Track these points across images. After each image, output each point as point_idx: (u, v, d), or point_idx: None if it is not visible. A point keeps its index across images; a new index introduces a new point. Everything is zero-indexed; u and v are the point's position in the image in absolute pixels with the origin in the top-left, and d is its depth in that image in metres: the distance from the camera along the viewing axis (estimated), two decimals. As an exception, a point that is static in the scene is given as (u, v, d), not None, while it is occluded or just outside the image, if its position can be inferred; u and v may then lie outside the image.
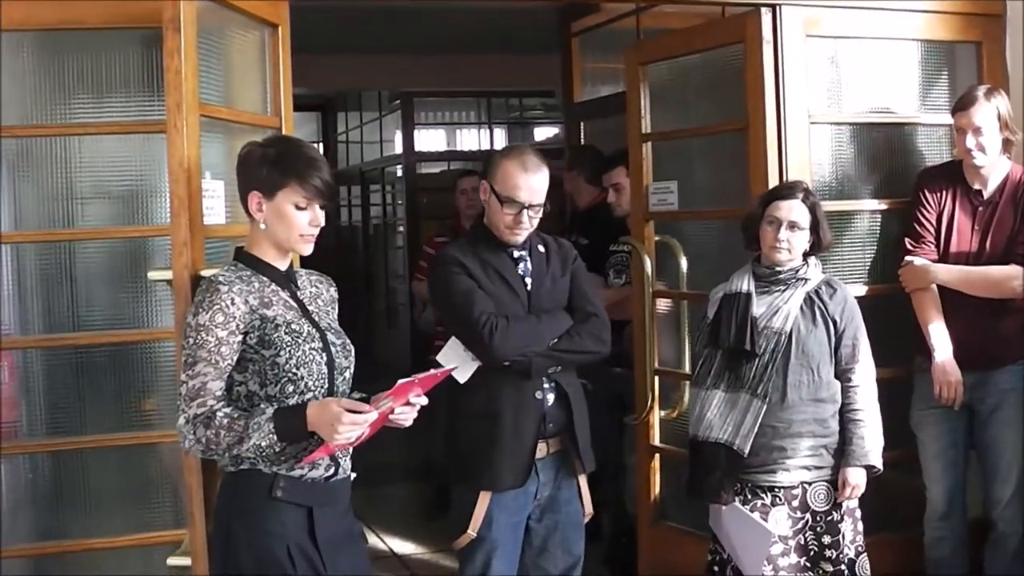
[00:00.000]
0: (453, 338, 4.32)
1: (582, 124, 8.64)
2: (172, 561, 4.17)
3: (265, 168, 3.51)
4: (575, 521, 4.55)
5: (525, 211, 4.30)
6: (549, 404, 4.40)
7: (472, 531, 4.33)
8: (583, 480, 4.55)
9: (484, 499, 4.32)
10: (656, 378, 5.85)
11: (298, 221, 3.50)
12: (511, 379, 4.31)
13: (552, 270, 4.48)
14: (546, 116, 14.32)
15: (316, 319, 3.60)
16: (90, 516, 4.61)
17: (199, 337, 3.38)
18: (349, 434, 3.30)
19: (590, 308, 4.49)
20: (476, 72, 11.86)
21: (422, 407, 3.55)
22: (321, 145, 15.38)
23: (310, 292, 3.71)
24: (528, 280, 4.42)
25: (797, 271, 4.57)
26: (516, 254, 4.43)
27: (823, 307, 4.55)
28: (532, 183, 4.30)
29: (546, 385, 4.40)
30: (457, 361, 4.24)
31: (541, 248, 4.49)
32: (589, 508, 4.59)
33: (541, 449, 4.37)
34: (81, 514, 4.61)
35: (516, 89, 13.19)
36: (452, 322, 4.40)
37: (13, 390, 4.60)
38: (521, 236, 4.37)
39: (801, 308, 4.54)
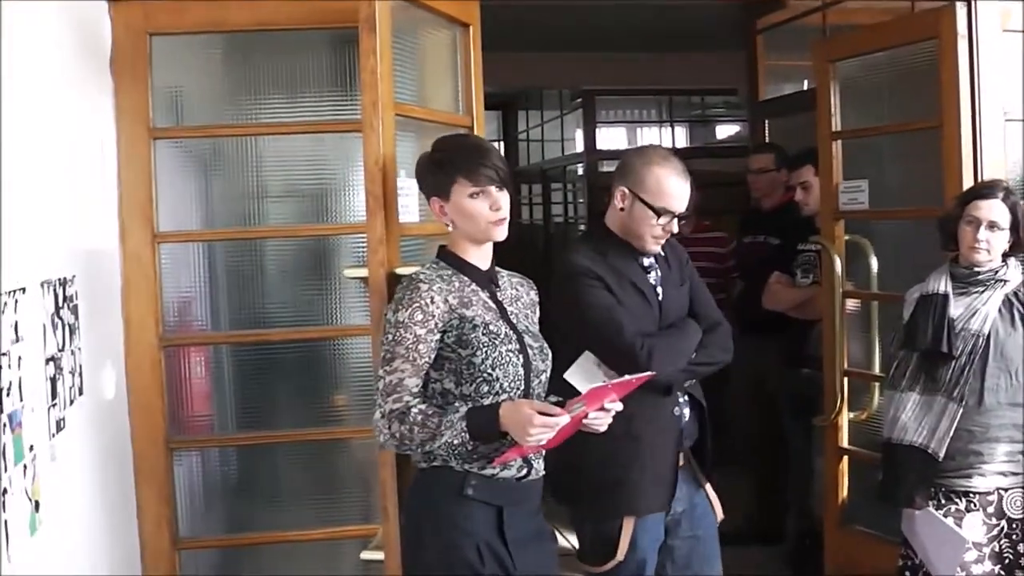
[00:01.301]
0: (586, 354, 4.03)
1: (767, 122, 8.55)
2: (366, 555, 4.22)
3: (432, 173, 3.56)
4: (712, 534, 4.40)
5: (675, 220, 4.13)
6: (686, 420, 4.27)
7: (620, 556, 4.17)
8: (710, 488, 4.41)
9: (629, 524, 4.17)
10: (845, 379, 5.78)
11: (479, 210, 3.50)
12: (649, 397, 4.01)
13: (674, 277, 4.31)
14: (728, 114, 14.20)
15: (514, 321, 3.60)
16: (280, 509, 4.72)
17: (398, 334, 3.41)
18: (540, 437, 3.29)
19: (716, 316, 4.34)
20: (658, 70, 11.82)
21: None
22: (502, 144, 15.49)
23: (510, 294, 3.71)
24: (659, 290, 4.24)
25: (996, 272, 4.45)
26: (646, 262, 4.25)
27: (1022, 309, 4.45)
28: (685, 191, 4.13)
29: (681, 400, 4.25)
30: (587, 378, 3.94)
31: (661, 253, 4.30)
32: (720, 512, 4.43)
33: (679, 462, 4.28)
34: (271, 507, 4.72)
35: (698, 87, 13.10)
36: (592, 340, 4.03)
37: (207, 384, 4.71)
38: (660, 246, 4.22)
39: (1000, 310, 4.43)
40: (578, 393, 3.55)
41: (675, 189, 4.09)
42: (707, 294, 4.42)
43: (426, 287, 3.44)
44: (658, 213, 4.08)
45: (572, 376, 3.97)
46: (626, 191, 4.15)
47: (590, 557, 4.28)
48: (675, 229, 4.14)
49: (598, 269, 4.11)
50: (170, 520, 4.45)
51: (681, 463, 4.27)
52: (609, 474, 4.14)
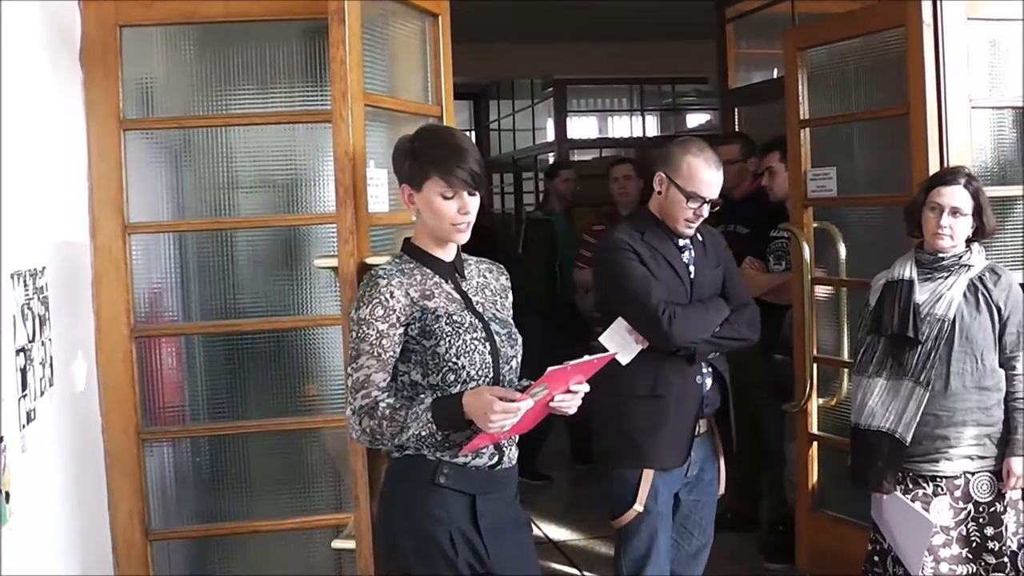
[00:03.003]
0: (619, 320, 4.44)
1: (736, 110, 8.58)
2: (337, 544, 4.23)
3: (409, 161, 3.54)
4: (712, 502, 4.75)
5: (705, 206, 4.42)
6: (708, 388, 4.59)
7: (639, 506, 4.45)
8: (722, 461, 4.73)
9: (648, 475, 4.46)
10: (815, 365, 5.82)
11: (447, 211, 3.49)
12: (675, 364, 4.47)
13: (709, 260, 4.62)
14: (699, 103, 14.22)
15: (480, 310, 3.60)
16: (252, 499, 4.70)
17: (361, 331, 3.43)
18: (501, 423, 3.29)
19: (745, 297, 4.70)
20: (629, 59, 11.83)
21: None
22: (473, 133, 15.47)
23: (477, 282, 3.71)
24: (692, 268, 4.57)
25: (960, 257, 4.49)
26: (681, 243, 4.57)
27: (987, 294, 4.48)
28: (716, 180, 4.47)
29: (704, 370, 4.59)
30: (620, 343, 4.38)
31: (699, 237, 4.61)
32: (723, 486, 4.76)
33: (699, 427, 4.55)
34: (243, 497, 4.70)
35: (669, 76, 13.11)
36: (624, 307, 4.46)
37: (178, 375, 4.71)
38: (694, 229, 4.53)
39: (964, 295, 4.47)
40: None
41: (706, 177, 4.46)
42: (739, 279, 4.78)
43: (385, 282, 3.45)
44: (688, 197, 4.43)
45: (606, 340, 4.45)
46: (663, 176, 4.53)
47: (613, 510, 4.60)
48: (705, 214, 4.51)
49: (635, 244, 4.50)
50: (142, 511, 4.44)
51: (703, 430, 4.65)
52: (631, 427, 4.52)
